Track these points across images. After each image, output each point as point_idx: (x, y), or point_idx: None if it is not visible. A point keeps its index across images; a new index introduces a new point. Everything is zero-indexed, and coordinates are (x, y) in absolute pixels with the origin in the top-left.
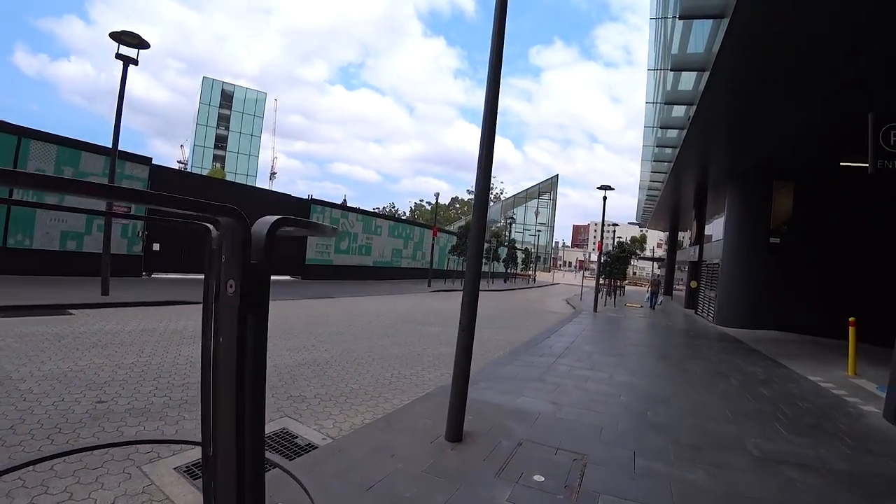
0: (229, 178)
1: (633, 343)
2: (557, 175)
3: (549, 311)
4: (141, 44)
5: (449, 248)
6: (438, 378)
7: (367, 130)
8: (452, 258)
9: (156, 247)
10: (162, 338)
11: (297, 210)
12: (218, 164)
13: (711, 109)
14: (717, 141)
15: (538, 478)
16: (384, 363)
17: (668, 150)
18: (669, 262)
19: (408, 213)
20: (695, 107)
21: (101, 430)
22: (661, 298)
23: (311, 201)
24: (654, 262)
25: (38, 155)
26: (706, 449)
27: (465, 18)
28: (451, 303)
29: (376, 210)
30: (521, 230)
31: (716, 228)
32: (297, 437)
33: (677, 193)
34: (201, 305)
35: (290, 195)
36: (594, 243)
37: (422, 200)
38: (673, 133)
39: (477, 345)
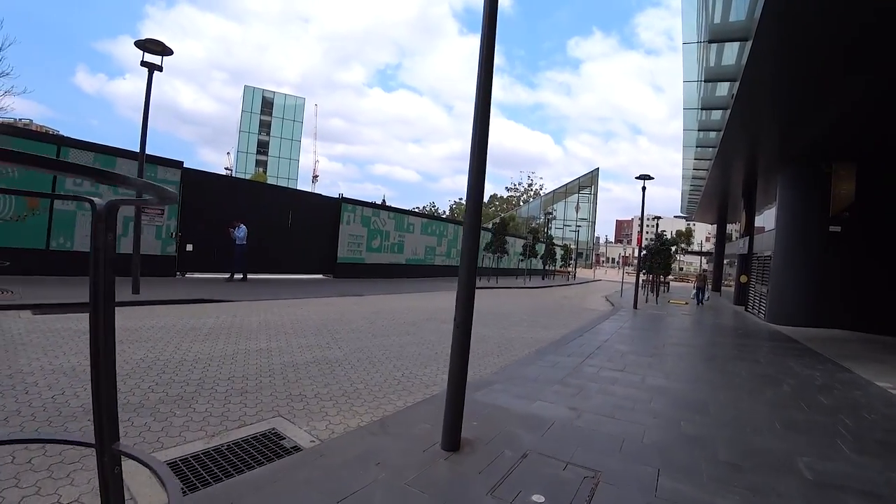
0: (271, 181)
1: (673, 342)
2: (598, 168)
3: (586, 309)
4: (164, 51)
5: (484, 245)
6: None
7: (405, 131)
8: (488, 255)
9: (189, 247)
10: (177, 334)
11: (328, 208)
12: (260, 169)
13: (757, 84)
14: (766, 119)
15: (537, 498)
16: (398, 362)
17: (713, 135)
18: (717, 256)
19: (448, 212)
20: (738, 83)
21: (88, 425)
22: (708, 294)
23: (342, 200)
24: (702, 257)
25: (77, 162)
26: (747, 468)
27: (501, 14)
28: (482, 301)
29: (416, 209)
30: (562, 226)
31: (767, 219)
32: (283, 439)
33: (724, 181)
34: (222, 303)
35: (320, 194)
36: (636, 237)
37: (460, 199)
38: (716, 115)
39: (502, 343)
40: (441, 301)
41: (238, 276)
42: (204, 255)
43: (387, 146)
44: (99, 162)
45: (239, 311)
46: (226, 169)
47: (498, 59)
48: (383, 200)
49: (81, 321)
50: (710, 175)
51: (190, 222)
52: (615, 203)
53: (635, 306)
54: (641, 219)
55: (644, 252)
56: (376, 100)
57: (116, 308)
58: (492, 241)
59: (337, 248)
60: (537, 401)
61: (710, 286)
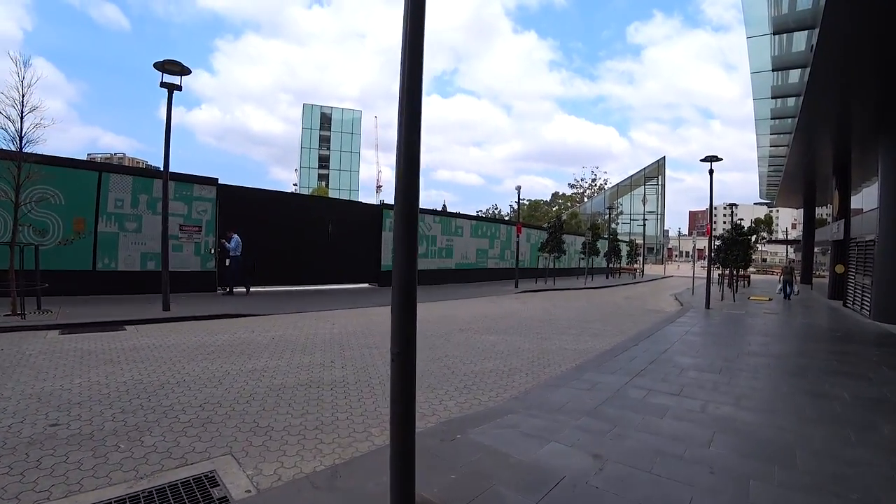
0: (332, 194)
1: (751, 352)
2: (664, 157)
3: (649, 311)
4: (183, 71)
5: (539, 246)
6: (458, 407)
7: (466, 135)
8: (545, 256)
9: (228, 262)
10: (180, 352)
11: (368, 215)
12: (322, 183)
13: (843, 24)
14: (858, 73)
15: None
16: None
17: (791, 102)
18: (806, 244)
19: (510, 214)
20: (817, 30)
21: (22, 459)
22: (797, 288)
23: (383, 206)
24: (788, 246)
25: (117, 186)
26: None
27: (554, 7)
28: (531, 305)
29: (479, 213)
30: (629, 221)
31: (867, 198)
32: (217, 486)
33: (808, 158)
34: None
35: (359, 202)
36: (706, 227)
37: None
38: (794, 76)
39: (537, 358)
40: (484, 307)
41: (239, 289)
42: (247, 270)
43: (448, 152)
44: (138, 184)
45: (259, 326)
46: (294, 185)
47: (553, 54)
48: (443, 207)
49: (99, 341)
50: (790, 152)
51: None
52: (688, 193)
53: (707, 305)
54: (710, 206)
55: (718, 243)
56: (435, 107)
57: (142, 325)
58: (548, 240)
59: (381, 256)
60: (551, 441)
61: (798, 278)
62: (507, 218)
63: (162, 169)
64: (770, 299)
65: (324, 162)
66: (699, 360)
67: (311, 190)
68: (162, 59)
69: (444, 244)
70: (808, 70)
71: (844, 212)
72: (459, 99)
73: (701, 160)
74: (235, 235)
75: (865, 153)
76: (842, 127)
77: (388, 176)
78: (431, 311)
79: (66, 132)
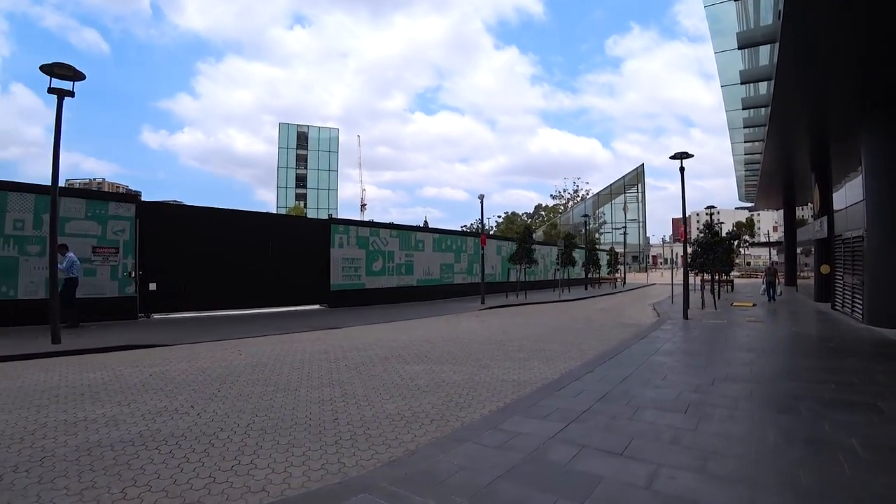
0: (311, 213)
1: (730, 376)
2: (643, 165)
3: (621, 324)
4: (76, 76)
5: (508, 257)
6: (305, 476)
7: (451, 151)
8: (527, 269)
9: (152, 286)
10: (22, 397)
11: (315, 232)
12: (301, 203)
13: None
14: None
15: None
16: (266, 436)
17: (763, 90)
18: (788, 245)
19: (495, 228)
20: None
21: None
22: (780, 289)
23: (331, 221)
24: (771, 248)
25: (16, 205)
26: None
27: (533, 23)
28: (490, 323)
29: (464, 227)
30: (611, 230)
31: (850, 192)
32: None
33: (785, 155)
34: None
35: (305, 217)
36: (680, 231)
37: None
38: (764, 56)
39: (462, 393)
40: (434, 328)
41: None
42: (175, 293)
43: (434, 168)
44: (42, 203)
45: (151, 360)
46: (279, 207)
47: (535, 69)
48: (425, 222)
49: None
50: (765, 151)
51: (152, 259)
52: (671, 202)
53: (685, 315)
54: (683, 205)
55: (695, 247)
56: (419, 124)
57: (19, 362)
58: (517, 251)
59: (329, 274)
60: None
61: (781, 279)
62: (491, 232)
63: (53, 185)
64: (754, 304)
65: (301, 181)
66: (663, 393)
67: (286, 210)
68: (50, 62)
69: (402, 260)
70: (776, 46)
71: (826, 208)
72: (443, 116)
73: (671, 157)
74: (70, 254)
75: (846, 145)
76: (817, 121)
77: (375, 193)
78: (367, 336)
79: (46, 158)
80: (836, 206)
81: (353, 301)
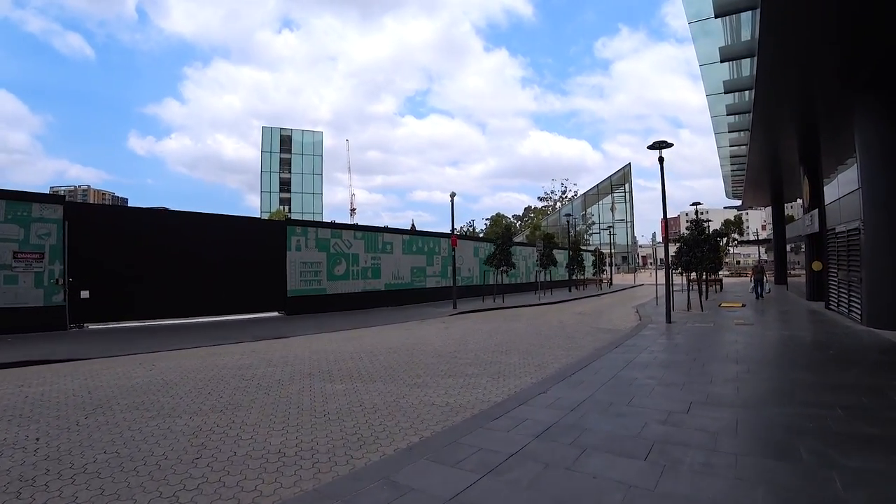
0: (296, 217)
1: (710, 399)
2: (629, 164)
3: (597, 330)
4: None
5: (485, 259)
6: None
7: (441, 155)
8: (504, 272)
9: (85, 294)
10: None
11: (270, 234)
12: (284, 207)
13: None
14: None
15: None
16: (94, 482)
17: (746, 71)
18: (777, 243)
19: (484, 231)
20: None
21: None
22: (768, 287)
23: (287, 222)
24: (760, 246)
25: None
26: None
27: (523, 25)
28: (453, 330)
29: (458, 231)
30: (598, 230)
31: (843, 181)
32: None
33: (772, 142)
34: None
35: (258, 218)
36: (661, 228)
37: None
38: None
39: (381, 420)
40: (389, 336)
41: None
42: (110, 302)
43: (424, 172)
44: None
45: (40, 378)
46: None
47: (525, 71)
48: (412, 226)
49: None
50: (751, 139)
51: (84, 265)
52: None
53: (668, 319)
54: (663, 200)
55: (680, 245)
56: (410, 128)
57: None
58: (495, 253)
59: (286, 279)
60: None
61: (769, 277)
62: (480, 235)
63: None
64: (743, 305)
65: (285, 185)
66: (625, 424)
67: (269, 214)
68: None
69: (368, 263)
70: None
71: (817, 201)
72: (434, 119)
73: (649, 147)
74: None
75: (836, 130)
76: (804, 104)
77: (366, 198)
78: (308, 347)
79: (31, 165)
80: (827, 199)
81: (314, 308)
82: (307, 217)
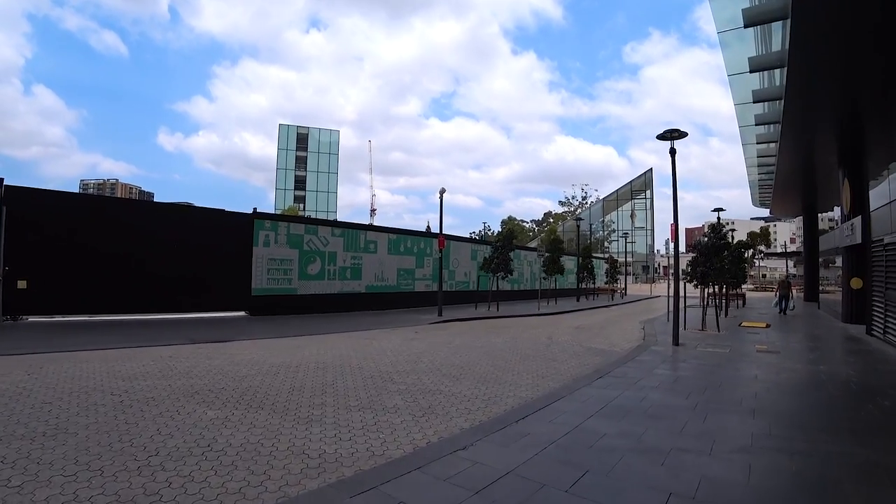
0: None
1: (702, 489)
2: (651, 169)
3: (588, 351)
4: None
5: (481, 264)
6: None
7: (465, 158)
8: (502, 277)
9: (22, 284)
10: None
11: (235, 228)
12: (300, 205)
13: None
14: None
15: None
16: None
17: (778, 77)
18: (809, 256)
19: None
20: None
21: None
22: (792, 303)
23: (255, 216)
24: (788, 259)
25: None
26: None
27: (552, 28)
28: (422, 342)
29: (473, 235)
30: (617, 238)
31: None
32: None
33: (805, 144)
34: None
35: (223, 210)
36: (670, 230)
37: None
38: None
39: (197, 479)
40: (331, 350)
41: None
42: (52, 293)
43: (448, 174)
44: None
45: None
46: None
47: (552, 75)
48: (427, 228)
49: None
50: (781, 141)
51: (23, 253)
52: (686, 212)
53: (675, 341)
54: (674, 201)
55: (695, 254)
56: (434, 130)
57: None
58: (491, 258)
59: (251, 277)
60: None
61: (793, 293)
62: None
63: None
64: (768, 325)
65: (300, 183)
66: None
67: (281, 212)
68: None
69: (348, 262)
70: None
71: (860, 207)
72: (458, 122)
73: (658, 137)
74: None
75: (887, 122)
76: (845, 100)
77: (389, 199)
78: (240, 353)
79: (66, 158)
80: (873, 205)
81: (283, 309)
82: (321, 216)
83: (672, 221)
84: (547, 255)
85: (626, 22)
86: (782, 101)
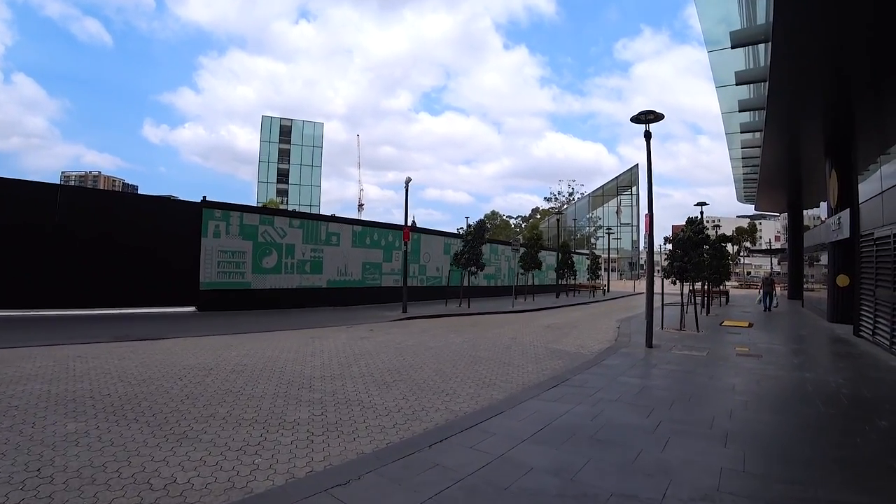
0: (292, 209)
1: None
2: (637, 165)
3: (552, 353)
4: None
5: (451, 259)
6: None
7: (455, 153)
8: (457, 270)
9: None
10: None
11: (183, 218)
12: (281, 198)
13: None
14: None
15: None
16: None
17: (762, 55)
18: (793, 253)
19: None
20: None
21: None
22: (776, 300)
23: (204, 204)
24: (773, 256)
25: None
26: None
27: (544, 23)
28: (361, 346)
29: (460, 230)
30: (603, 234)
31: (889, 174)
32: None
33: (789, 135)
34: None
35: (168, 197)
36: (644, 221)
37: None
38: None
39: None
40: (260, 350)
41: None
42: None
43: (438, 169)
44: None
45: None
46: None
47: (543, 70)
48: (413, 223)
49: None
50: (766, 132)
51: None
52: (675, 210)
53: (648, 343)
54: (649, 189)
55: (672, 248)
56: (424, 124)
57: None
58: (462, 252)
59: (199, 269)
60: None
61: (777, 290)
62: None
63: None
64: (750, 325)
65: (283, 176)
66: None
67: (262, 205)
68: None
69: (308, 255)
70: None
71: (849, 199)
72: (449, 116)
73: (632, 119)
74: None
75: (881, 105)
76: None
77: (378, 194)
78: (159, 355)
79: (48, 150)
80: (863, 197)
81: (235, 304)
82: (304, 209)
83: (647, 212)
84: (523, 249)
85: (619, 18)
86: (766, 83)
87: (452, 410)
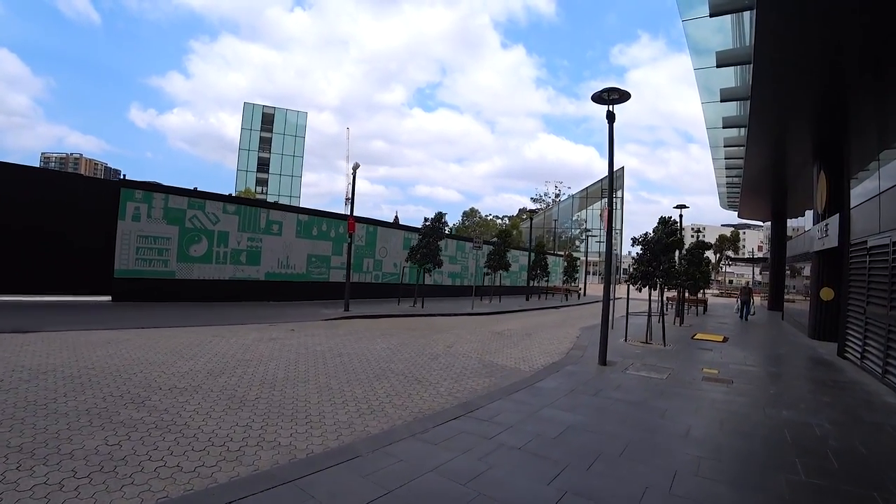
0: (272, 199)
1: None
2: (623, 168)
3: (484, 368)
4: None
5: (406, 255)
6: None
7: (448, 150)
8: (411, 267)
9: None
10: None
11: (96, 197)
12: (260, 188)
13: None
14: None
15: None
16: None
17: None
18: (776, 262)
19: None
20: None
21: None
22: (753, 309)
23: (122, 183)
24: (755, 265)
25: None
26: None
27: (543, 24)
28: (257, 351)
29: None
30: (586, 237)
31: (888, 175)
32: None
33: (776, 134)
34: None
35: (81, 175)
36: (604, 215)
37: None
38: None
39: None
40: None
41: None
42: None
43: (429, 167)
44: None
45: None
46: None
47: (540, 72)
48: (395, 219)
49: None
50: (749, 132)
51: None
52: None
53: (602, 360)
54: (610, 173)
55: (642, 250)
56: (417, 120)
57: None
58: (417, 247)
59: (114, 255)
60: None
61: (754, 300)
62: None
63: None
64: (725, 339)
65: (263, 165)
66: None
67: (237, 194)
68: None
69: (243, 245)
70: None
71: (839, 203)
72: (442, 113)
73: (593, 98)
74: None
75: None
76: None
77: (368, 189)
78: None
79: (31, 129)
80: (855, 202)
81: (156, 295)
82: (284, 200)
83: (605, 206)
84: (487, 246)
85: (617, 22)
86: (749, 67)
87: (288, 454)
